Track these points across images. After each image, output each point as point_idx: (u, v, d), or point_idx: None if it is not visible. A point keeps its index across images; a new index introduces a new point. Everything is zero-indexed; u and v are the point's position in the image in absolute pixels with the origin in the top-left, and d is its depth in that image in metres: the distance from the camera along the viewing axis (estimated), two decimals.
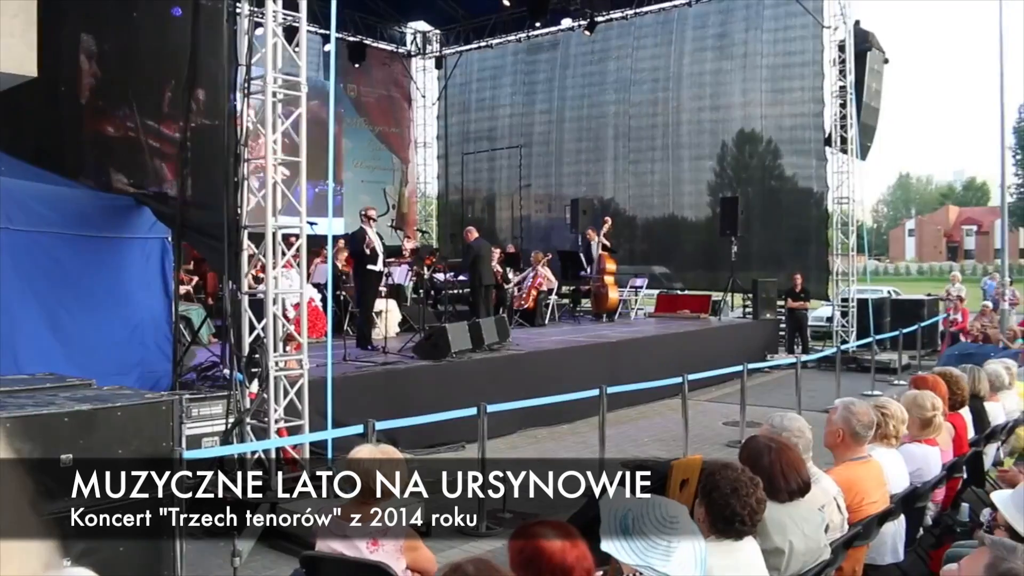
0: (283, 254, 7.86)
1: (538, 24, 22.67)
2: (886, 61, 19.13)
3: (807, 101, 18.88)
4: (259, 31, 7.92)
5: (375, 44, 23.87)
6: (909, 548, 5.14)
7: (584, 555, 2.73)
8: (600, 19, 21.68)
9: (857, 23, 18.18)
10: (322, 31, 18.08)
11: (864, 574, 4.68)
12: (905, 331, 16.48)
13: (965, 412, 6.62)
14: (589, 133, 22.74)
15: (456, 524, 7.43)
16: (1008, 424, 7.47)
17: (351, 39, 22.45)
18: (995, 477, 6.42)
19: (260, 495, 7.25)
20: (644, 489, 3.18)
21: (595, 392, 8.51)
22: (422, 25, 25.30)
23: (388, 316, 13.96)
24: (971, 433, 6.62)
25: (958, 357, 10.92)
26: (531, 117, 23.90)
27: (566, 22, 22.37)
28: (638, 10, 21.35)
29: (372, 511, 3.93)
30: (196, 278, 13.68)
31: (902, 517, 5.00)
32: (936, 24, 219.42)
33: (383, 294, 13.51)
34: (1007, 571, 2.48)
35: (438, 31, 25.32)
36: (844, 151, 18.21)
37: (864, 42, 18.13)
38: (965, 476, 6.38)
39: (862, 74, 18.03)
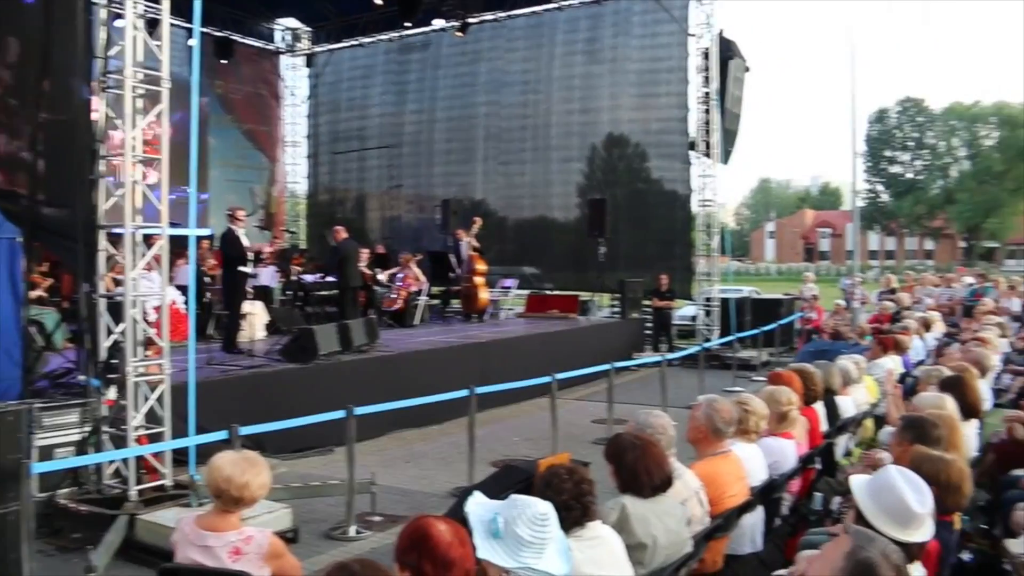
0: (143, 255, 7.58)
1: (409, 24, 22.56)
2: (747, 69, 19.82)
3: (673, 106, 19.39)
4: (119, 22, 7.58)
5: (243, 40, 23.29)
6: (767, 538, 5.32)
7: (468, 556, 2.73)
8: (472, 21, 21.74)
9: (721, 32, 18.80)
10: (186, 24, 17.46)
11: (724, 564, 4.82)
12: (764, 329, 17.09)
13: (819, 406, 6.91)
14: (460, 134, 22.77)
15: (325, 529, 7.35)
16: (857, 416, 7.84)
17: (218, 34, 21.84)
18: (849, 464, 6.70)
19: (117, 507, 7.00)
20: (509, 488, 3.19)
21: (465, 392, 8.51)
22: (292, 22, 24.83)
23: (255, 319, 13.65)
24: (824, 426, 6.91)
25: (813, 354, 11.37)
26: (402, 117, 23.77)
27: (438, 22, 22.31)
28: (510, 13, 21.51)
29: (234, 519, 3.81)
30: (51, 280, 13.02)
31: (760, 508, 5.17)
32: (794, 36, 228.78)
33: (250, 296, 13.20)
34: (864, 559, 2.59)
35: (308, 28, 24.91)
36: (708, 155, 18.80)
37: (727, 51, 18.75)
38: (819, 467, 6.66)
39: (725, 81, 18.65)
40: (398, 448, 10.58)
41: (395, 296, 16.91)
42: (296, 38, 25.06)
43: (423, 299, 17.26)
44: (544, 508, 2.95)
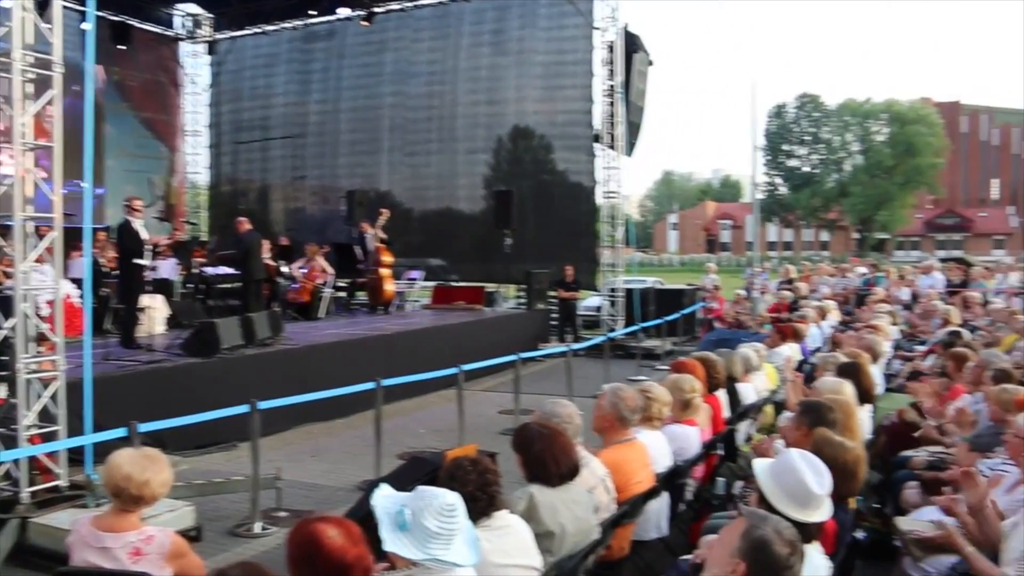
0: (34, 247, 7.29)
1: (314, 12, 22.23)
2: (651, 63, 20.10)
3: (578, 99, 19.55)
4: (6, 2, 7.24)
5: (141, 25, 22.57)
6: (672, 522, 5.43)
7: (364, 555, 2.70)
8: (378, 10, 21.54)
9: (626, 26, 19.02)
10: (80, 7, 16.85)
11: (631, 550, 4.90)
12: (668, 319, 17.41)
13: (721, 393, 7.07)
14: (365, 125, 22.53)
15: (229, 527, 7.21)
16: (758, 402, 8.05)
17: (114, 19, 21.07)
18: (748, 450, 6.88)
19: (8, 510, 6.73)
20: (417, 480, 3.18)
21: (371, 385, 8.44)
22: (193, 8, 24.14)
23: (154, 312, 13.28)
24: (726, 412, 7.07)
25: (715, 342, 11.64)
26: (306, 107, 23.39)
27: (343, 11, 22.03)
28: (416, 3, 21.40)
29: (134, 519, 3.71)
30: None
31: (665, 494, 5.28)
32: (696, 32, 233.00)
33: (149, 289, 12.84)
34: (758, 538, 2.67)
35: (210, 15, 24.26)
36: (612, 148, 19.02)
37: (632, 44, 18.98)
38: (721, 453, 6.82)
39: (629, 75, 18.88)
40: (304, 442, 10.44)
41: (299, 289, 16.65)
42: (197, 24, 24.40)
43: (328, 291, 17.04)
44: (451, 499, 2.95)
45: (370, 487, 3.55)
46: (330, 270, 17.29)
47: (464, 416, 9.38)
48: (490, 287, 19.37)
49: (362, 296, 18.54)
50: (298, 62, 23.43)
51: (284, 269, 17.30)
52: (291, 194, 23.92)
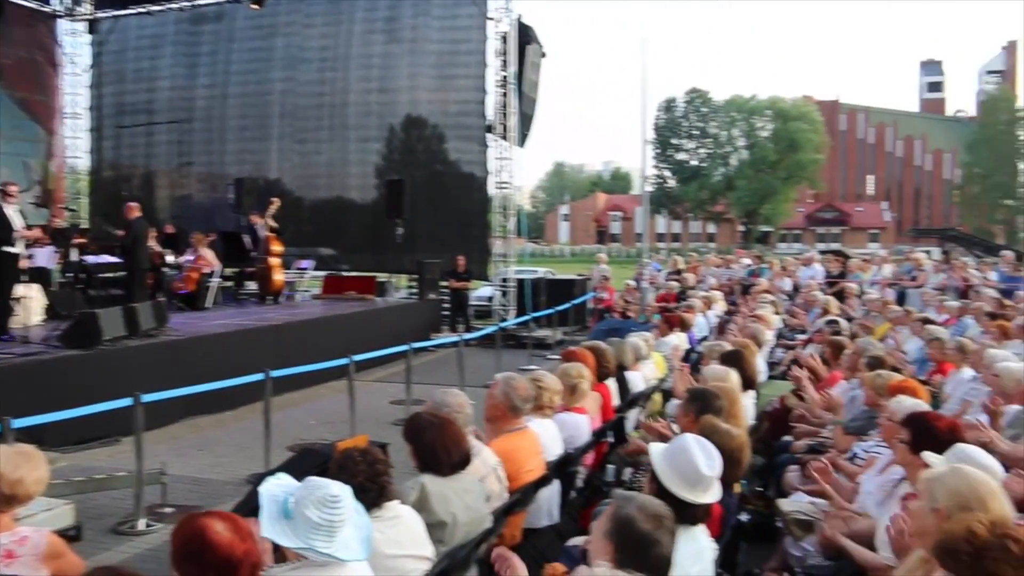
0: None
1: None
2: (543, 55, 20.25)
3: (471, 89, 19.55)
4: None
5: (15, 0, 21.48)
6: (563, 510, 5.50)
7: (252, 550, 2.65)
8: None
9: (519, 17, 19.09)
10: None
11: (523, 538, 4.95)
12: (559, 309, 17.59)
13: (611, 382, 7.20)
14: (254, 111, 22.03)
15: (111, 524, 6.98)
16: (647, 390, 8.22)
17: None
18: (637, 435, 7.02)
19: None
20: (308, 472, 3.14)
21: (260, 376, 8.31)
22: None
23: (31, 303, 12.74)
24: (616, 400, 7.20)
25: (605, 332, 11.81)
26: (193, 91, 22.71)
27: None
28: None
29: (6, 520, 3.55)
30: None
31: (556, 482, 5.34)
32: (588, 26, 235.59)
33: (24, 279, 12.30)
34: (622, 516, 2.75)
35: None
36: (505, 138, 19.09)
37: (525, 36, 19.08)
38: (611, 440, 6.94)
39: (523, 66, 18.98)
40: (190, 436, 10.19)
41: (185, 278, 16.20)
42: (76, 2, 23.37)
43: (215, 281, 16.62)
44: (336, 490, 2.89)
45: (258, 480, 3.48)
46: (215, 259, 16.84)
47: (355, 407, 9.30)
48: (381, 277, 19.21)
49: (251, 286, 18.14)
50: (185, 44, 22.72)
51: (169, 258, 16.80)
52: (177, 181, 23.22)
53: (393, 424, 9.87)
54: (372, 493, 3.36)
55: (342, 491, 2.92)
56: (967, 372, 8.01)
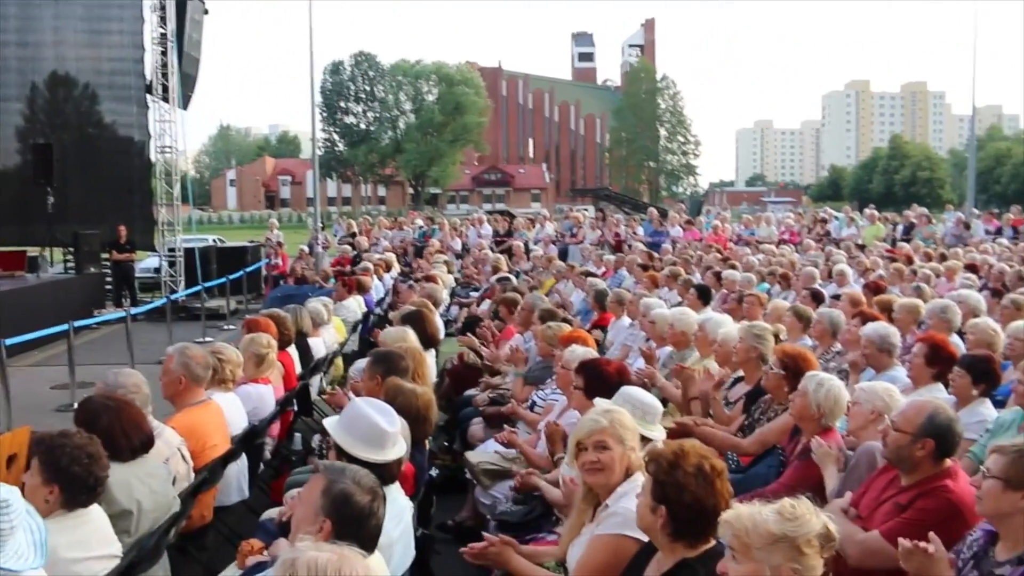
0: None
1: None
2: (206, 12, 19.29)
3: (127, 46, 18.11)
4: None
5: None
6: (253, 484, 5.39)
7: None
8: None
9: None
10: None
11: (214, 516, 4.79)
12: (231, 277, 16.99)
13: (292, 350, 7.10)
14: None
15: None
16: (329, 355, 8.21)
17: None
18: (323, 406, 7.01)
19: None
20: None
21: None
22: None
23: None
24: (298, 368, 7.12)
25: (281, 299, 11.62)
26: None
27: None
28: None
29: None
30: None
31: (243, 456, 5.21)
32: None
33: None
34: (339, 492, 2.73)
35: None
36: (166, 100, 17.98)
37: None
38: (296, 408, 6.87)
39: (183, 23, 17.90)
40: None
41: None
42: None
43: None
44: (5, 494, 2.57)
45: None
46: None
47: (10, 395, 8.50)
48: (32, 251, 17.50)
49: None
50: None
51: None
52: None
53: (58, 411, 9.16)
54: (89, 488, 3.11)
55: (10, 495, 2.59)
56: (625, 320, 8.75)
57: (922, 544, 2.87)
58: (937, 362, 5.09)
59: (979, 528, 3.13)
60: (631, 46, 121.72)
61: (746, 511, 2.42)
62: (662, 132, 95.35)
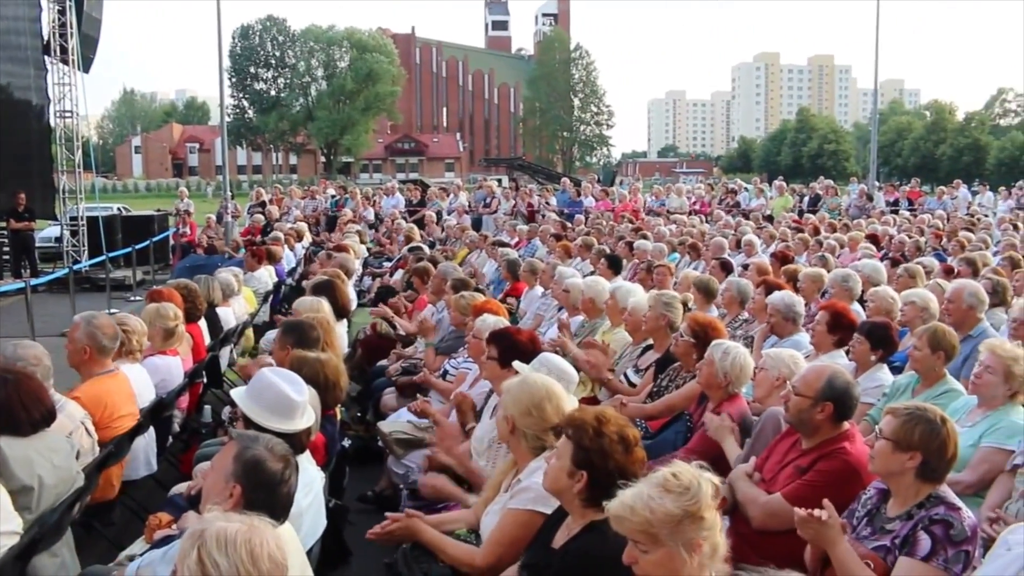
0: None
1: None
2: None
3: (20, 3, 17.30)
4: None
5: None
6: (161, 457, 5.30)
7: None
8: None
9: None
10: None
11: (121, 491, 4.70)
12: (137, 247, 16.55)
13: (201, 321, 6.97)
14: None
15: None
16: (239, 327, 8.09)
17: None
18: (233, 378, 6.91)
19: None
20: None
21: None
22: None
23: None
24: (208, 340, 7.00)
25: (190, 269, 11.39)
26: None
27: None
28: None
29: None
30: None
31: (152, 429, 5.12)
32: None
33: None
34: (251, 458, 2.71)
35: None
36: (66, 62, 17.29)
37: None
38: (205, 380, 6.76)
39: None
40: None
41: None
42: None
43: None
44: None
45: None
46: None
47: None
48: None
49: None
50: None
51: None
52: None
53: None
54: None
55: None
56: (538, 290, 8.83)
57: (816, 512, 2.98)
58: (838, 329, 5.30)
59: (872, 486, 3.27)
60: (545, 15, 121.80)
61: (635, 502, 2.39)
62: (576, 102, 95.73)
